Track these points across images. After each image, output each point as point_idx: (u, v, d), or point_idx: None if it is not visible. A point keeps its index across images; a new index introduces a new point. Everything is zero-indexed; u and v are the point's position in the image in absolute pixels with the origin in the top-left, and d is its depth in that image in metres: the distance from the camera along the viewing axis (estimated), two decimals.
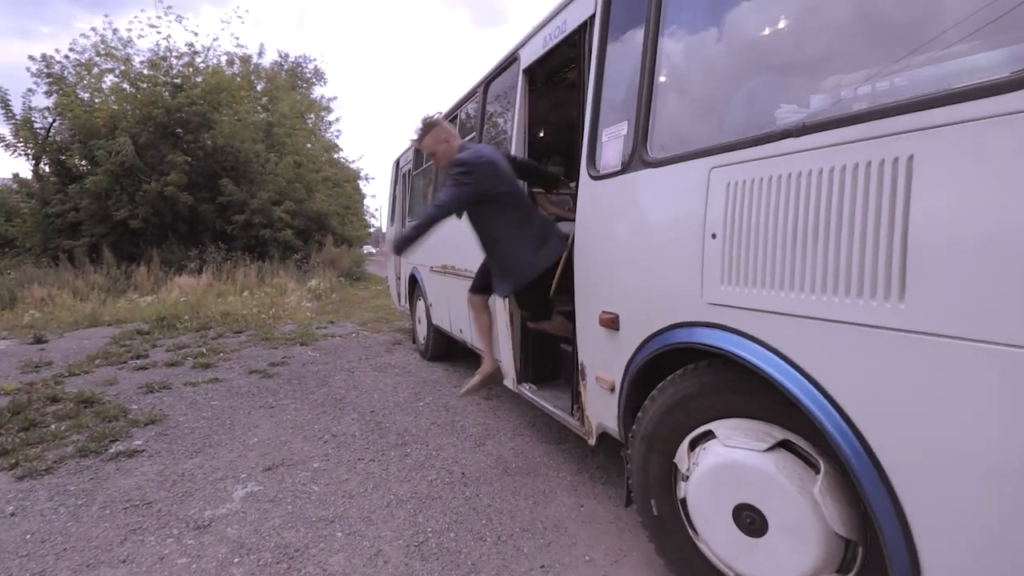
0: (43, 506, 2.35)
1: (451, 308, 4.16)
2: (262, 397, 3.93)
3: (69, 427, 3.28)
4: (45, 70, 12.63)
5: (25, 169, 13.62)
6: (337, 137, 22.03)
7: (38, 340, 6.37)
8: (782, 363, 1.32)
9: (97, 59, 12.90)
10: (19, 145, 12.42)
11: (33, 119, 12.19)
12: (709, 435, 1.58)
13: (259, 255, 12.20)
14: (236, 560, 1.92)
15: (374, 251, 25.17)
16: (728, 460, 1.49)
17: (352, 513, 2.24)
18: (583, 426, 2.33)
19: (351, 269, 13.93)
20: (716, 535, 1.55)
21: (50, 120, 12.53)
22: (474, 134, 3.70)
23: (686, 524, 1.66)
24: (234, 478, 2.59)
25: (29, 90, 12.52)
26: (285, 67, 22.63)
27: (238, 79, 13.58)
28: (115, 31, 13.00)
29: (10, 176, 14.53)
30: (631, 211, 1.89)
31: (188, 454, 2.89)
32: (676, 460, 1.66)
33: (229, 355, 5.35)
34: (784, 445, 1.42)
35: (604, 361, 2.07)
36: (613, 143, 2.05)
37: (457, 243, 3.89)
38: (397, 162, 6.54)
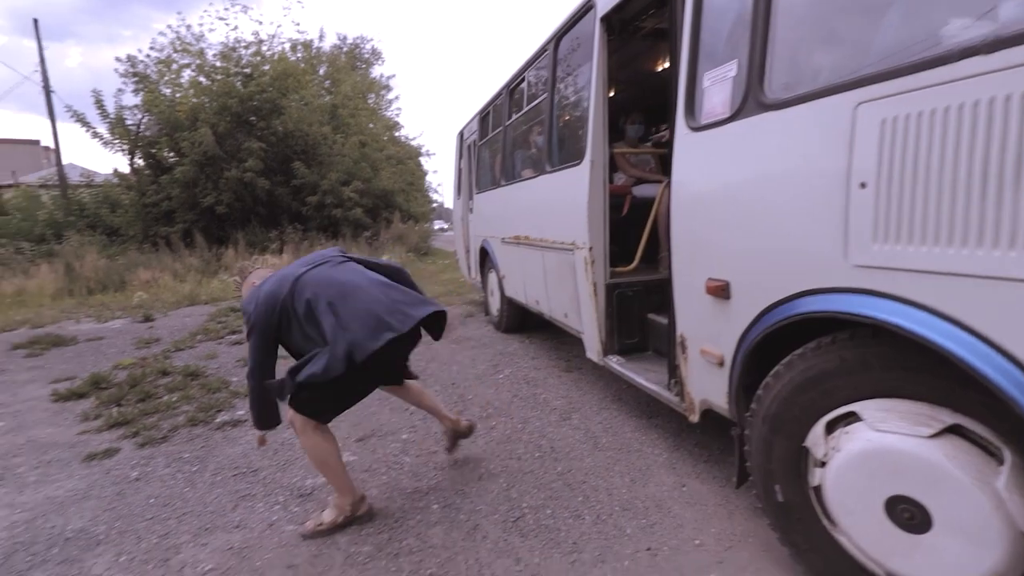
0: (162, 472, 2.53)
1: (526, 279, 4.06)
2: None
3: (179, 398, 3.53)
4: (131, 70, 13.57)
5: (122, 164, 14.86)
6: (397, 115, 22.25)
7: (147, 319, 6.97)
8: (961, 332, 1.09)
9: (175, 55, 13.69)
10: (115, 142, 13.54)
11: (125, 117, 13.17)
12: (851, 417, 1.38)
13: (332, 234, 12.70)
14: (338, 532, 1.96)
15: (446, 226, 25.48)
16: (880, 447, 1.29)
17: (445, 486, 2.24)
18: (683, 402, 2.17)
19: (418, 244, 14.22)
20: (862, 528, 1.36)
21: (139, 116, 13.51)
22: (545, 96, 3.50)
23: (820, 514, 1.49)
24: None
25: (119, 90, 13.54)
26: (344, 49, 23.05)
27: (302, 65, 13.93)
28: (188, 27, 13.69)
29: (111, 171, 16.01)
30: (745, 163, 1.66)
31: (285, 424, 3.01)
32: (808, 444, 1.47)
33: None
34: (954, 431, 1.20)
35: (711, 333, 1.89)
36: (718, 87, 1.81)
37: (531, 213, 3.77)
38: (461, 134, 6.44)
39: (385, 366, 2.07)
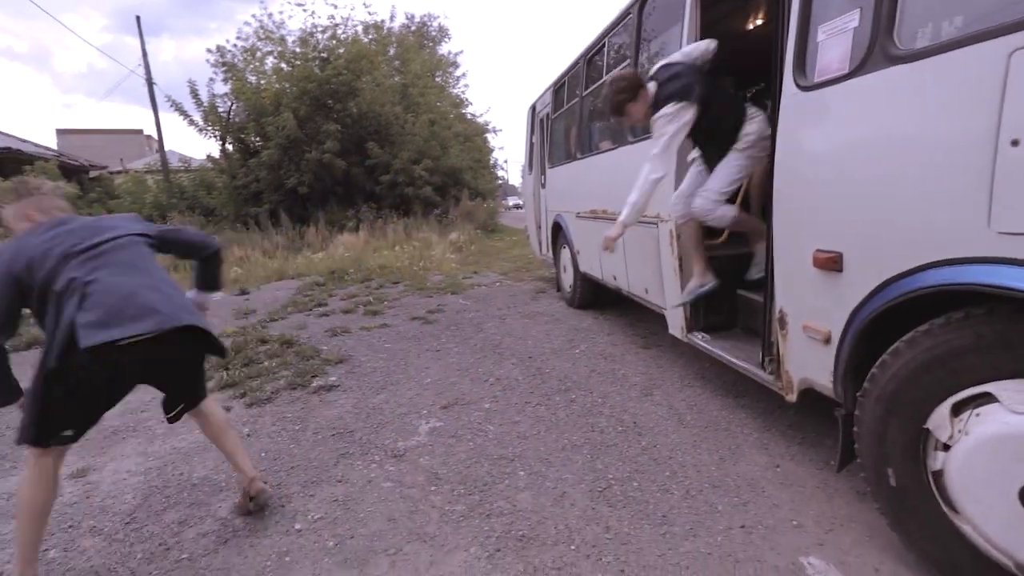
0: (269, 429, 2.77)
1: (602, 255, 4.00)
2: (427, 341, 4.22)
3: (278, 364, 3.83)
4: (220, 60, 14.50)
5: (215, 149, 16.05)
6: (464, 91, 22.30)
7: (242, 292, 7.57)
8: None
9: (258, 44, 14.47)
10: (209, 128, 14.63)
11: (217, 104, 14.17)
12: (984, 398, 1.27)
13: (403, 212, 13.12)
14: (433, 488, 2.07)
15: (520, 203, 25.47)
16: (1019, 430, 1.18)
17: (529, 454, 2.30)
18: (778, 380, 2.08)
19: (486, 221, 14.38)
20: (992, 517, 1.26)
21: (229, 104, 14.48)
22: (628, 63, 3.37)
23: (939, 500, 1.39)
24: (416, 414, 2.82)
25: (210, 79, 14.55)
26: (412, 28, 23.30)
27: (373, 46, 14.26)
28: (269, 15, 14.39)
29: (205, 157, 17.37)
30: (868, 124, 1.53)
31: (375, 390, 3.21)
32: (930, 426, 1.37)
33: (392, 303, 5.85)
34: None
35: (817, 308, 1.78)
36: (836, 40, 1.66)
37: (609, 186, 3.69)
38: (533, 107, 6.37)
39: (144, 375, 1.83)
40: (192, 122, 14.45)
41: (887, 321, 1.52)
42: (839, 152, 1.64)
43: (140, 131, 36.48)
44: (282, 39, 13.83)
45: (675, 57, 2.50)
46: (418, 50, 18.71)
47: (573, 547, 1.68)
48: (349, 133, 13.05)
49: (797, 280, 1.86)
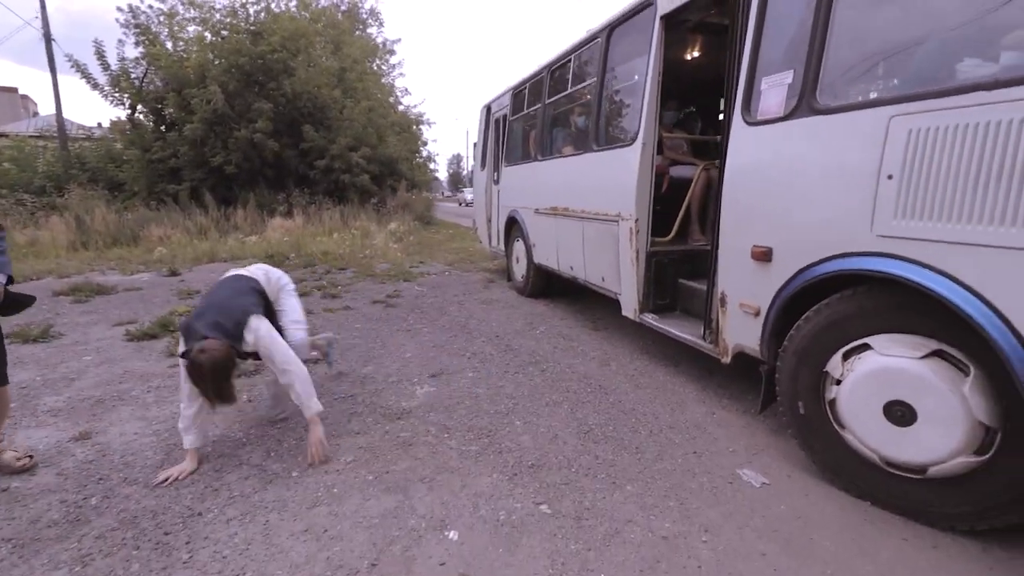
0: (268, 396, 2.95)
1: (559, 247, 4.50)
2: (395, 323, 4.49)
3: None
4: (132, 20, 13.29)
5: (108, 117, 14.61)
6: (400, 79, 21.99)
7: (173, 273, 7.23)
8: (954, 285, 1.58)
9: (180, 8, 13.45)
10: (117, 95, 13.34)
11: (129, 70, 12.98)
12: (864, 348, 1.89)
13: (338, 199, 12.89)
14: (446, 435, 2.44)
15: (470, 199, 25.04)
16: (884, 366, 1.81)
17: (520, 409, 2.73)
18: (716, 348, 2.68)
19: (423, 213, 14.48)
20: (865, 428, 1.88)
21: (142, 70, 13.31)
22: (593, 80, 3.88)
23: (832, 421, 2.01)
24: (408, 381, 3.13)
25: (119, 40, 13.28)
26: (343, 8, 22.58)
27: (314, 24, 13.81)
28: None
29: (99, 124, 15.58)
30: (795, 155, 2.12)
31: (361, 363, 3.46)
32: (828, 369, 1.98)
33: (347, 288, 5.98)
34: (937, 354, 1.71)
35: (750, 290, 2.38)
36: (774, 91, 2.25)
37: (572, 186, 4.19)
38: (488, 107, 6.75)
39: None
40: (96, 86, 13.14)
41: (798, 298, 2.13)
42: (773, 173, 2.23)
43: (15, 90, 31.88)
44: (209, 8, 12.97)
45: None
46: (351, 33, 18.27)
47: (573, 470, 2.13)
48: (282, 113, 12.59)
49: (737, 269, 2.44)
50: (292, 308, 2.63)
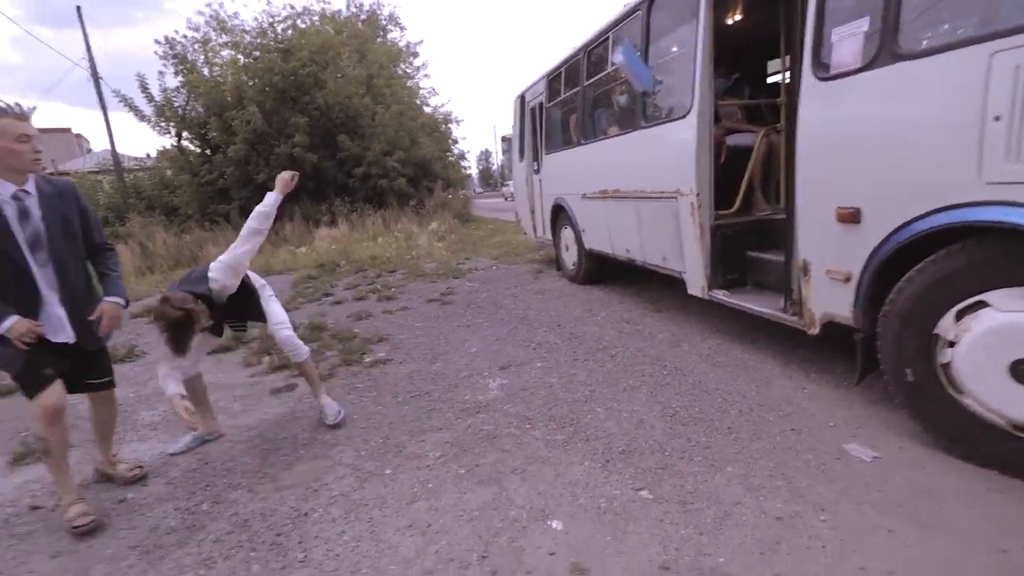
0: (347, 398, 3.03)
1: (612, 231, 4.42)
2: (454, 319, 4.52)
3: (320, 346, 4.04)
4: (170, 51, 13.91)
5: (155, 147, 15.45)
6: (425, 79, 22.18)
7: None
8: None
9: (212, 35, 13.98)
10: (163, 124, 14.03)
11: (172, 99, 13.62)
12: (979, 305, 1.75)
13: (378, 204, 13.14)
14: (528, 426, 2.43)
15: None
16: (1006, 322, 1.67)
17: (597, 396, 2.69)
18: (801, 320, 2.55)
19: (461, 211, 14.58)
20: (989, 390, 1.74)
21: (184, 98, 13.93)
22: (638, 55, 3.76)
23: (947, 386, 1.87)
24: (479, 375, 3.15)
25: (160, 72, 13.94)
26: (362, 17, 22.89)
27: (338, 36, 14.08)
28: (221, 5, 13.92)
29: (147, 155, 16.38)
30: (879, 107, 1.98)
31: (428, 360, 3.50)
32: (939, 331, 1.85)
33: (400, 289, 6.08)
34: None
35: (838, 254, 2.24)
36: (848, 41, 2.10)
37: (620, 167, 4.09)
38: (522, 97, 6.69)
39: None
40: (143, 117, 13.85)
41: (895, 259, 1.99)
42: (856, 129, 2.08)
43: (68, 130, 34.04)
44: (243, 31, 13.44)
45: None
46: (374, 40, 18.50)
47: (667, 454, 2.08)
48: (317, 126, 12.91)
49: (820, 234, 2.31)
50: (275, 312, 2.74)
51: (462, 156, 19.44)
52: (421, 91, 19.44)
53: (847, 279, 2.22)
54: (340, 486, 2.10)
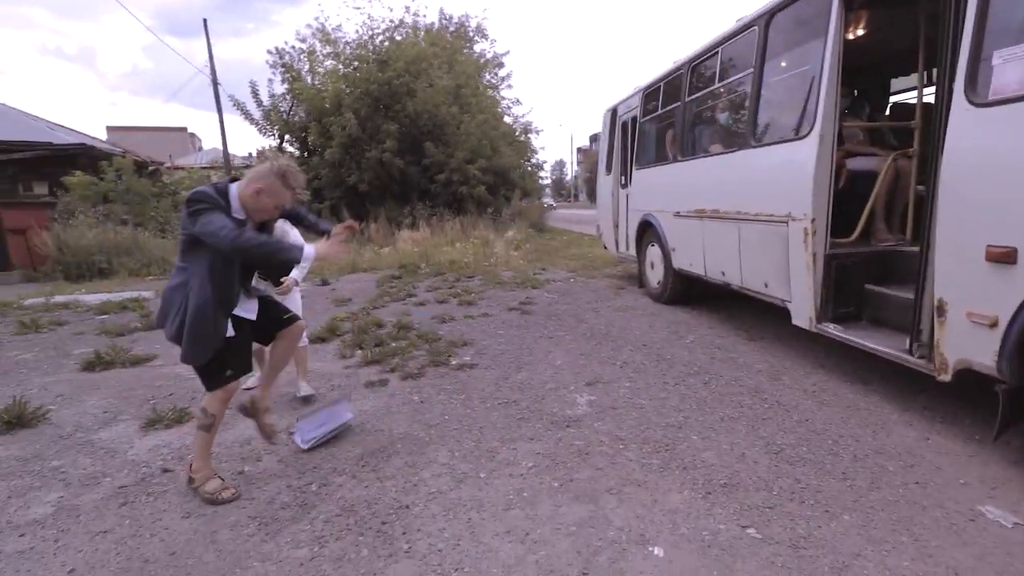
0: (437, 398, 3.13)
1: (707, 252, 4.28)
2: (536, 329, 4.56)
3: (407, 345, 4.21)
4: (279, 61, 15.16)
5: (268, 147, 16.82)
6: (507, 89, 22.65)
7: (324, 282, 8.04)
8: None
9: (317, 45, 15.09)
10: (268, 127, 15.30)
11: (279, 105, 14.83)
12: None
13: (457, 210, 13.55)
14: (621, 447, 2.40)
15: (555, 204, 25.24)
16: None
17: (692, 423, 2.60)
18: (930, 363, 2.34)
19: (536, 221, 14.72)
20: None
21: (289, 104, 15.13)
22: (749, 72, 3.64)
23: None
24: (565, 389, 3.15)
25: (268, 79, 15.26)
26: (451, 29, 23.78)
27: (431, 48, 14.73)
28: (327, 18, 15.02)
29: (248, 154, 17.81)
30: None
31: (514, 369, 3.55)
32: None
33: (479, 295, 6.22)
34: None
35: (983, 296, 2.04)
36: (1013, 65, 1.92)
37: (723, 186, 3.96)
38: (614, 110, 6.66)
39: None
40: (253, 121, 15.17)
41: None
42: (1015, 160, 1.89)
43: (184, 129, 38.00)
44: (345, 43, 14.41)
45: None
46: (462, 51, 19.16)
47: (774, 493, 1.98)
48: (406, 133, 13.55)
49: (963, 272, 2.12)
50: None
51: (539, 166, 19.59)
52: (504, 100, 19.87)
53: (993, 324, 2.01)
54: (437, 484, 2.17)
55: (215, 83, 16.34)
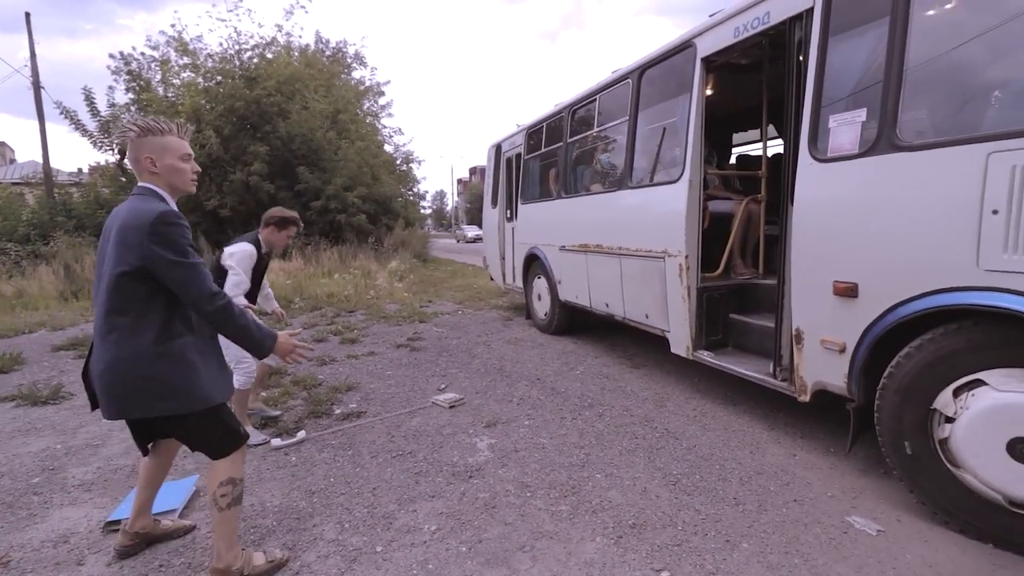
0: (319, 457, 2.77)
1: (592, 284, 4.45)
2: (426, 367, 4.34)
3: (280, 394, 3.73)
4: (124, 67, 13.30)
5: (101, 162, 14.50)
6: (388, 118, 22.31)
7: None
8: None
9: (172, 55, 13.50)
10: (107, 140, 13.20)
11: (121, 116, 12.89)
12: (976, 383, 1.84)
13: (334, 239, 12.76)
14: (528, 494, 2.29)
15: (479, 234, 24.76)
16: (1004, 402, 1.75)
17: (594, 460, 2.60)
18: (791, 385, 2.61)
19: (420, 251, 14.39)
20: (987, 467, 1.81)
21: (134, 115, 13.22)
22: (624, 119, 3.92)
23: (944, 460, 1.93)
24: (464, 432, 2.98)
25: (109, 87, 13.25)
26: (327, 53, 22.99)
27: (307, 70, 13.96)
28: (185, 27, 13.56)
29: (77, 170, 15.22)
30: (878, 192, 2.10)
31: (407, 415, 3.30)
32: (937, 406, 1.92)
33: (363, 331, 5.81)
34: None
35: (833, 325, 2.33)
36: (845, 128, 2.26)
37: (604, 223, 4.17)
38: (498, 146, 6.80)
39: None
40: (86, 132, 12.99)
41: (892, 334, 2.09)
42: (852, 209, 2.21)
43: None
44: (208, 55, 13.07)
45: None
46: (340, 76, 18.50)
47: (679, 528, 2.01)
48: (277, 156, 12.55)
49: (815, 304, 2.40)
50: None
51: (421, 196, 19.42)
52: (386, 129, 19.49)
53: (842, 350, 2.30)
54: (325, 568, 1.87)
55: (37, 86, 13.68)
